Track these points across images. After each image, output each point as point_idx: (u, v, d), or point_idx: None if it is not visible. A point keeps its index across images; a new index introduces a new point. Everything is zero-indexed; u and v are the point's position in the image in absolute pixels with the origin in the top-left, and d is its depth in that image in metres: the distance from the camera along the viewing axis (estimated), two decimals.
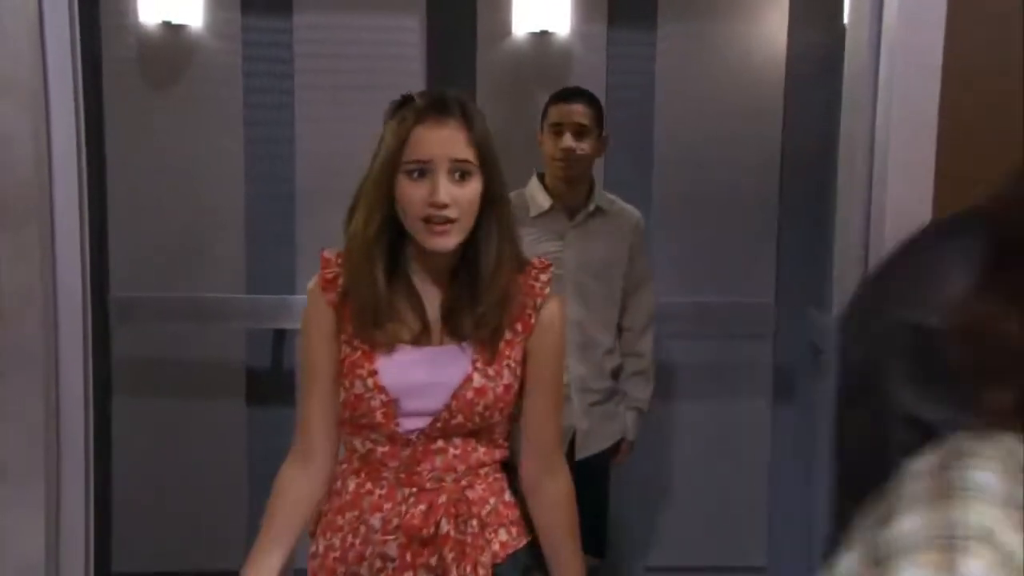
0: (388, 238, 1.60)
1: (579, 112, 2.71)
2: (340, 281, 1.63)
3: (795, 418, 3.45)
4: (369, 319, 1.59)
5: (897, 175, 1.68)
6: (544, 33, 3.29)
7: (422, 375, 1.61)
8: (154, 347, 3.32)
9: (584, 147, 2.71)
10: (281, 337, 3.37)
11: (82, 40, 1.91)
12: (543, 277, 1.67)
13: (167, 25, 3.20)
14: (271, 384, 3.39)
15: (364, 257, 1.58)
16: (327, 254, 1.66)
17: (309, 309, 1.65)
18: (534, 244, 2.62)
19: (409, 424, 1.60)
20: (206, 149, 3.28)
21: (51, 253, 1.84)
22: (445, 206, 1.53)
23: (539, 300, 1.66)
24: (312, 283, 1.66)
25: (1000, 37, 1.70)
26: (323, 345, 1.64)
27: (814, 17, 3.33)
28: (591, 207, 2.79)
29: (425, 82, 3.19)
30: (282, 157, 3.30)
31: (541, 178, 2.81)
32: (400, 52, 3.25)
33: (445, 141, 1.55)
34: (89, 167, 1.92)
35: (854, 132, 1.77)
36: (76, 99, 1.85)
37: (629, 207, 2.90)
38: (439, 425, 1.61)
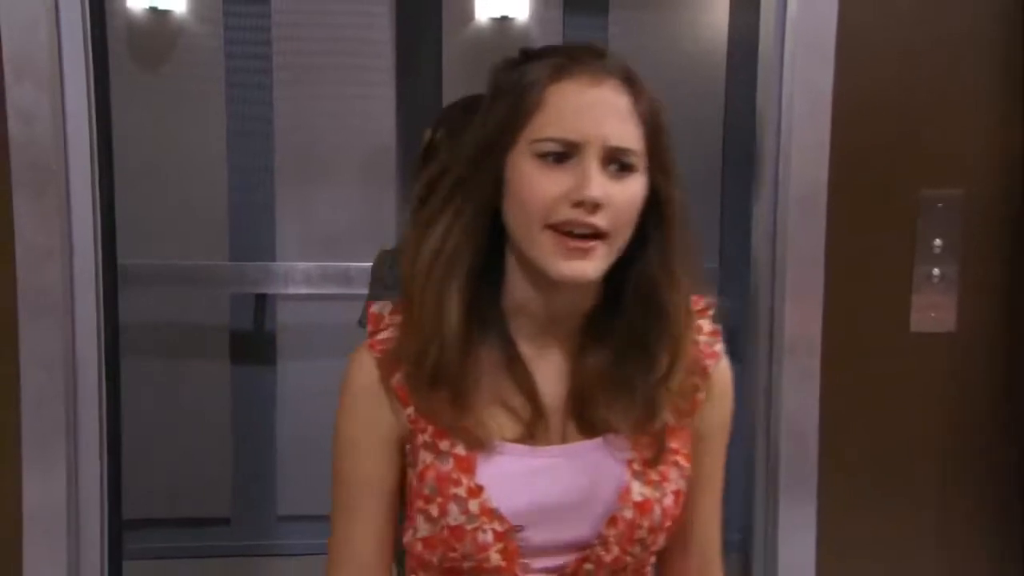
0: (476, 263, 1.06)
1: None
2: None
3: None
4: (455, 401, 1.06)
5: (798, 150, 1.96)
6: (504, 19, 3.55)
7: (555, 491, 1.07)
8: (146, 310, 3.57)
9: None
10: (263, 301, 3.62)
11: (92, 26, 2.14)
12: (707, 327, 1.15)
13: (153, 10, 3.45)
14: (253, 345, 3.66)
15: (440, 295, 1.05)
16: (376, 308, 1.13)
17: (356, 398, 1.11)
18: None
19: (538, 566, 1.08)
20: (192, 127, 3.52)
21: (67, 217, 2.09)
22: (598, 206, 1.01)
23: (709, 363, 1.14)
24: (358, 357, 1.12)
25: (889, 19, 1.97)
26: (380, 451, 1.11)
27: (754, 3, 3.60)
28: None
29: (394, 66, 3.46)
30: (263, 134, 3.55)
31: None
32: (369, 36, 3.51)
33: (601, 114, 1.03)
34: (100, 141, 2.16)
35: (765, 111, 2.05)
36: (88, 80, 2.09)
37: None
38: (588, 567, 1.08)
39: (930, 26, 1.96)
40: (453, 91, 1.85)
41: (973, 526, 2.07)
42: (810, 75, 1.94)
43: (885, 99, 1.98)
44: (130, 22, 3.46)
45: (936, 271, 1.98)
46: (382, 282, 2.11)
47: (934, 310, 1.99)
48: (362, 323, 1.58)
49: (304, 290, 3.55)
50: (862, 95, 1.96)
